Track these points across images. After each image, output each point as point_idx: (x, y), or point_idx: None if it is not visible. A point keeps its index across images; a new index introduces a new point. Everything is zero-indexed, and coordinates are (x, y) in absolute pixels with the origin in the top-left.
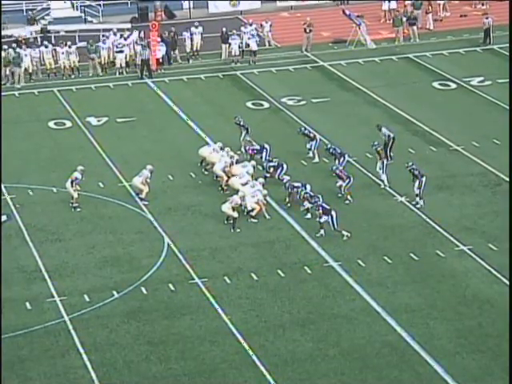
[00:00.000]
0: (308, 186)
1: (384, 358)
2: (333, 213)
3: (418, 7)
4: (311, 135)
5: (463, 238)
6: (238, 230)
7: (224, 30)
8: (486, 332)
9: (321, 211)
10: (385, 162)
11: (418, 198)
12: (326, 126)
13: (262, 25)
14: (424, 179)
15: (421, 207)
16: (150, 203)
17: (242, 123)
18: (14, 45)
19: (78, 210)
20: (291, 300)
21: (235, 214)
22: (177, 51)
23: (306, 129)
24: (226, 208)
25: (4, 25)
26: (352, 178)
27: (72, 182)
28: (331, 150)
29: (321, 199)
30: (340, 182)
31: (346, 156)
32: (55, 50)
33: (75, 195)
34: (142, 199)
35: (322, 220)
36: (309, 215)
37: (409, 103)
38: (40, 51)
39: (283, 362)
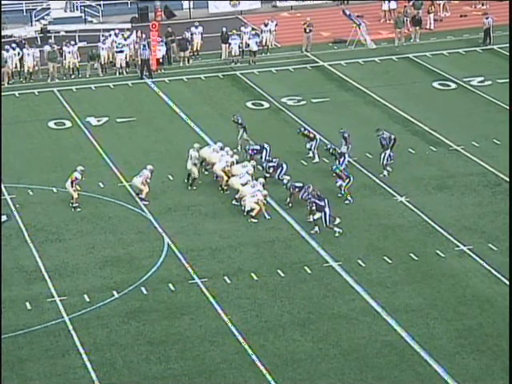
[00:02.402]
0: (310, 188)
1: (384, 357)
2: (326, 210)
3: (418, 7)
4: (311, 135)
5: (463, 238)
6: (195, 188)
7: (224, 29)
8: (485, 332)
9: (314, 208)
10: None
11: (384, 170)
12: (326, 125)
13: (267, 24)
14: (388, 152)
15: (383, 177)
16: (150, 203)
17: (239, 121)
18: (13, 45)
19: (78, 209)
20: (291, 300)
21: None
22: (187, 52)
23: (305, 129)
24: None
25: (4, 25)
26: (352, 178)
27: (72, 182)
28: (331, 151)
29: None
30: (340, 182)
31: (346, 156)
32: (62, 49)
33: (75, 195)
34: (142, 199)
35: (315, 217)
36: (311, 218)
37: (409, 103)
38: (44, 51)
39: (283, 362)
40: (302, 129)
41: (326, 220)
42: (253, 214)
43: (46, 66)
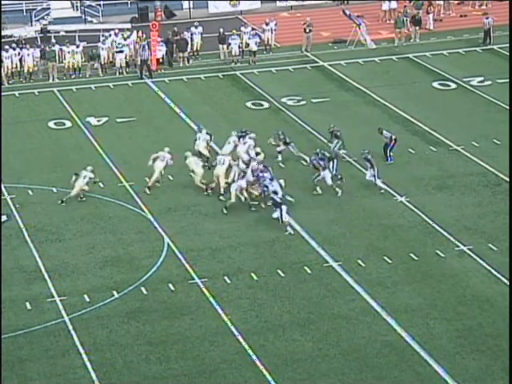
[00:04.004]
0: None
1: (384, 357)
2: (283, 207)
3: (418, 7)
4: (287, 140)
5: (463, 238)
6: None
7: (221, 30)
8: (485, 332)
9: (271, 204)
10: (376, 169)
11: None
12: (326, 126)
13: (268, 23)
14: (341, 141)
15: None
16: (149, 203)
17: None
18: (13, 45)
19: (84, 199)
20: (291, 300)
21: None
22: (186, 53)
23: (282, 133)
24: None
25: (4, 25)
26: (329, 169)
27: (87, 183)
28: (320, 155)
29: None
30: (318, 174)
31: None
32: (61, 49)
33: (86, 188)
34: (149, 188)
35: (274, 216)
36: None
37: (409, 103)
38: (45, 51)
39: (283, 362)
40: (280, 132)
41: (281, 217)
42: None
43: (46, 66)
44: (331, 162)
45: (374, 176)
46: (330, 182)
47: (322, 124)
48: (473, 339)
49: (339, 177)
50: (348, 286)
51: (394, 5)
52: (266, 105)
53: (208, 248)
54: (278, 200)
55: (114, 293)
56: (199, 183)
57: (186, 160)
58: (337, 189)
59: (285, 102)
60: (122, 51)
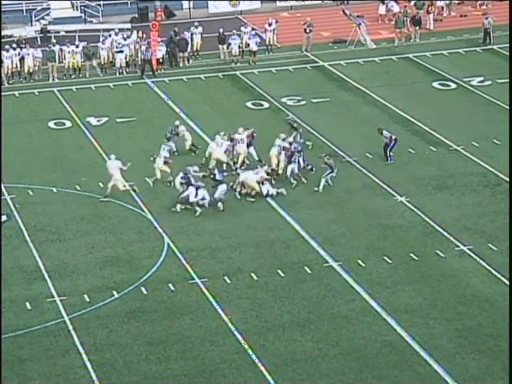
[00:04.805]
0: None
1: (384, 357)
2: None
3: (420, 7)
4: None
5: (463, 238)
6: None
7: (221, 30)
8: (485, 332)
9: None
10: (335, 172)
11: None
12: (325, 125)
13: (271, 23)
14: (301, 130)
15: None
16: (149, 203)
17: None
18: (14, 45)
19: (172, 184)
20: (291, 300)
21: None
22: (186, 53)
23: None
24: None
25: (4, 25)
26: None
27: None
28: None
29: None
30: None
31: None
32: (61, 49)
33: (168, 170)
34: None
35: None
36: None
37: (409, 103)
38: (45, 51)
39: (283, 362)
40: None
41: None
42: (253, 193)
43: (46, 66)
44: (297, 156)
45: (331, 178)
46: (291, 172)
47: (322, 124)
48: (473, 339)
49: (310, 167)
50: (348, 286)
51: (395, 8)
52: (266, 105)
53: (208, 248)
54: (219, 179)
55: (114, 293)
56: (118, 186)
57: (106, 163)
58: (292, 180)
59: (285, 101)
60: (122, 51)
